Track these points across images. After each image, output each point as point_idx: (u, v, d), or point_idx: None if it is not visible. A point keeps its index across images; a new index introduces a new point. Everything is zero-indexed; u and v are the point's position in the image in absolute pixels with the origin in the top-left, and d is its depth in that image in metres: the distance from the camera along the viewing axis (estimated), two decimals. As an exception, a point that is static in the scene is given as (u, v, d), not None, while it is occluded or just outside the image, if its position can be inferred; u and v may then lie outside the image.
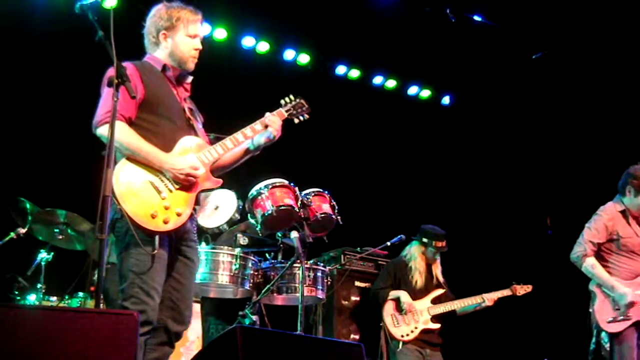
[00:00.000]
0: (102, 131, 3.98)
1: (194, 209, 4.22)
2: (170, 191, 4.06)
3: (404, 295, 7.32)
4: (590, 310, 6.19)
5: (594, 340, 6.17)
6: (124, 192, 3.91)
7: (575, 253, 6.23)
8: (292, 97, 4.74)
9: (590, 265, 6.14)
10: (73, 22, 5.13)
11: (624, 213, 6.30)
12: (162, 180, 4.05)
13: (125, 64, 4.16)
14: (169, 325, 4.09)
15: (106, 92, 4.08)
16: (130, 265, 3.95)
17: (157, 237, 3.95)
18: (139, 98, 4.11)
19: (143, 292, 3.91)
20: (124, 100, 3.92)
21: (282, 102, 4.70)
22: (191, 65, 4.40)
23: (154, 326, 3.99)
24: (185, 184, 4.09)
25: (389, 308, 7.33)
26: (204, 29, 8.16)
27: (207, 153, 4.25)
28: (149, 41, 4.42)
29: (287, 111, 4.65)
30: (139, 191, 3.96)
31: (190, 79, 4.48)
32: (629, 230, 6.26)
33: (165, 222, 3.97)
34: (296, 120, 4.71)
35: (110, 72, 4.08)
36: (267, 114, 4.54)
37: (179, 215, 4.03)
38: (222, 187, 4.49)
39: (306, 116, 4.75)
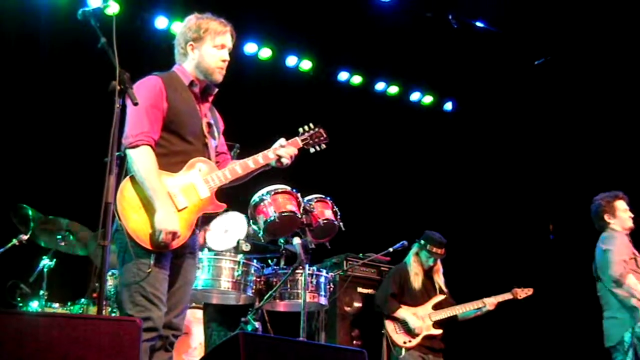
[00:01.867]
0: (135, 154, 3.99)
1: (195, 229, 4.22)
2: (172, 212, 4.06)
3: (411, 320, 7.28)
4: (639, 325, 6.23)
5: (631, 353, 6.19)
6: (125, 208, 3.94)
7: (615, 272, 6.28)
8: (311, 125, 4.73)
9: (634, 284, 6.25)
10: (76, 30, 5.13)
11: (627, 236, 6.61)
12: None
13: (153, 76, 4.21)
14: (161, 332, 4.09)
15: (135, 110, 4.00)
16: (132, 275, 3.96)
17: (152, 255, 3.97)
18: (163, 116, 4.12)
19: (146, 300, 3.93)
20: (155, 120, 4.02)
21: (300, 130, 4.70)
22: (218, 77, 4.36)
23: (159, 333, 4.00)
24: (162, 244, 3.99)
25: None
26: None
27: (214, 177, 4.24)
28: (178, 52, 4.41)
29: (302, 140, 4.66)
30: (140, 209, 3.98)
31: (215, 90, 4.44)
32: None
33: None
34: (312, 150, 4.70)
35: (136, 85, 4.06)
36: (282, 141, 4.54)
37: (177, 236, 4.04)
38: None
39: (323, 146, 4.73)
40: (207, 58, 4.31)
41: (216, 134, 4.47)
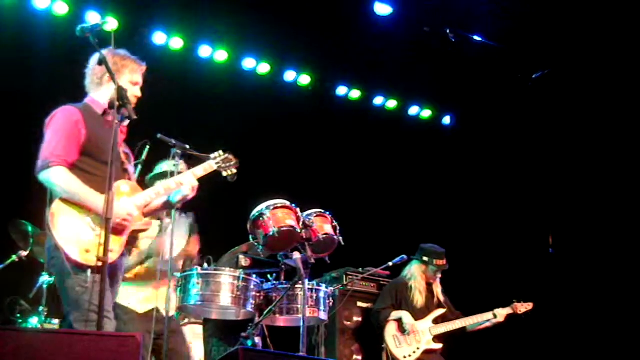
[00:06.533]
0: (46, 175, 4.16)
1: (127, 249, 4.39)
2: None
3: (406, 316, 7.31)
4: None
5: None
6: (61, 227, 4.08)
7: None
8: (221, 152, 4.99)
9: None
10: (74, 46, 5.15)
11: None
12: (95, 219, 4.16)
13: (69, 105, 4.36)
14: None
15: (53, 132, 4.25)
16: (75, 291, 4.06)
17: (89, 271, 4.02)
18: (82, 142, 4.26)
19: (94, 313, 3.96)
20: (68, 145, 4.17)
21: (212, 155, 4.95)
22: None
23: None
24: (119, 228, 4.21)
25: (390, 329, 7.31)
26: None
27: (140, 197, 4.43)
28: (91, 82, 4.53)
29: (216, 164, 4.92)
30: (74, 227, 4.11)
31: (127, 122, 4.47)
32: None
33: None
34: (224, 173, 4.98)
35: (54, 113, 4.30)
36: (186, 173, 4.76)
37: (111, 251, 4.07)
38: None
39: (234, 170, 5.01)
40: None
41: (131, 161, 4.68)
